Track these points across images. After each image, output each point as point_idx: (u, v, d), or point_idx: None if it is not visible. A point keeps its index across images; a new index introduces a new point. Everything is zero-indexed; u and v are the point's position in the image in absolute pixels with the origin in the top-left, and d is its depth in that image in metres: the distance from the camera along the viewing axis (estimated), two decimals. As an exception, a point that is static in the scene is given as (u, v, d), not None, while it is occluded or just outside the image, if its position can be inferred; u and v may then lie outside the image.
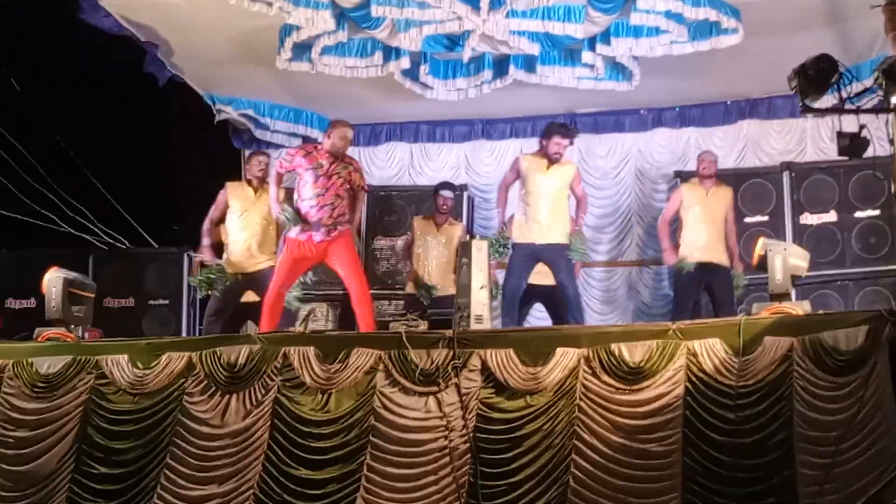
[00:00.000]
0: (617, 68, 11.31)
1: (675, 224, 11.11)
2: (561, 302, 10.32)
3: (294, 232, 9.27)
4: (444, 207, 11.48)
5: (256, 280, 10.01)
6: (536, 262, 10.26)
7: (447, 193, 11.55)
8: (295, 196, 9.46)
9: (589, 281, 12.91)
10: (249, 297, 10.34)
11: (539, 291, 10.71)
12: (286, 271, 9.32)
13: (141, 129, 13.87)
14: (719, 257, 10.72)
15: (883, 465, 6.37)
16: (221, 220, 10.48)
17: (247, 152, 12.95)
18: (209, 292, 10.35)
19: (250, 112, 12.90)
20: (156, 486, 7.87)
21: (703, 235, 10.72)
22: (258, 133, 13.20)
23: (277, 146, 13.44)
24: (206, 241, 10.41)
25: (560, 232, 10.16)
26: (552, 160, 10.18)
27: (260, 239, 10.19)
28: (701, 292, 10.84)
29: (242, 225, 10.24)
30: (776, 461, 6.79)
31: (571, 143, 10.55)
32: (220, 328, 10.06)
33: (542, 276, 10.48)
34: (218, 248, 10.55)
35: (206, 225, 10.44)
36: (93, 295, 9.37)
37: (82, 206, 12.65)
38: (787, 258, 7.78)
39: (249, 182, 10.38)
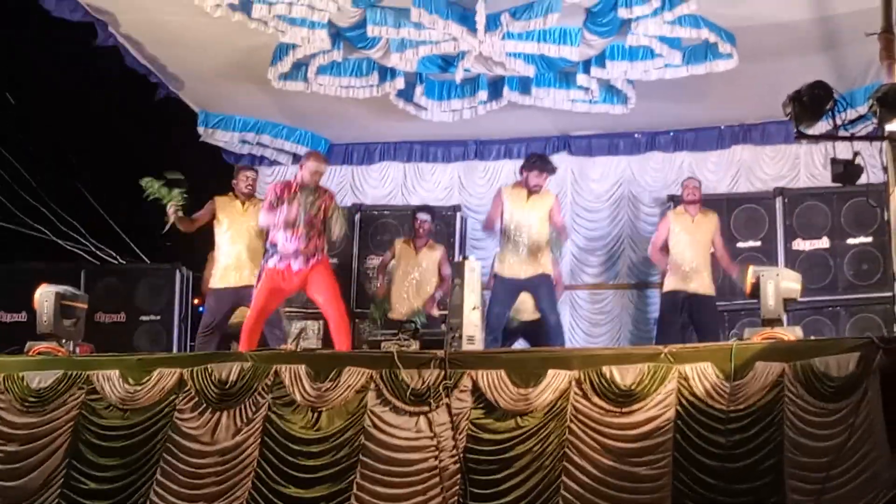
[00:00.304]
0: (612, 91, 11.35)
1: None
2: (543, 332, 10.33)
3: (272, 261, 9.26)
4: (421, 231, 11.48)
5: (247, 294, 9.96)
6: (520, 292, 10.29)
7: (423, 216, 11.54)
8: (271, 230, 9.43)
9: (579, 303, 12.93)
10: (238, 317, 10.28)
11: (521, 327, 10.74)
12: (264, 300, 9.30)
13: (135, 143, 13.88)
14: (704, 286, 10.76)
15: (873, 491, 6.36)
16: (202, 225, 10.36)
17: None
18: (170, 205, 10.05)
19: (228, 136, 12.90)
20: (145, 502, 7.84)
21: (689, 262, 10.77)
22: (245, 150, 13.24)
23: (271, 162, 13.48)
24: None
25: (543, 262, 10.19)
26: (532, 191, 10.24)
27: (249, 251, 10.15)
28: (685, 318, 10.81)
29: (232, 238, 10.21)
30: (766, 486, 6.79)
31: (552, 175, 10.55)
32: (213, 343, 9.99)
33: (524, 312, 10.56)
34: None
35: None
36: (85, 306, 9.37)
37: (75, 221, 12.66)
38: (779, 283, 7.81)
39: (237, 196, 10.37)
